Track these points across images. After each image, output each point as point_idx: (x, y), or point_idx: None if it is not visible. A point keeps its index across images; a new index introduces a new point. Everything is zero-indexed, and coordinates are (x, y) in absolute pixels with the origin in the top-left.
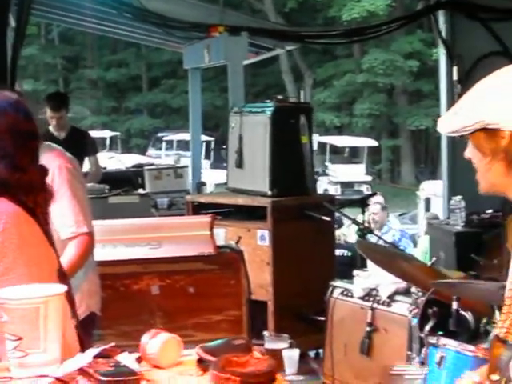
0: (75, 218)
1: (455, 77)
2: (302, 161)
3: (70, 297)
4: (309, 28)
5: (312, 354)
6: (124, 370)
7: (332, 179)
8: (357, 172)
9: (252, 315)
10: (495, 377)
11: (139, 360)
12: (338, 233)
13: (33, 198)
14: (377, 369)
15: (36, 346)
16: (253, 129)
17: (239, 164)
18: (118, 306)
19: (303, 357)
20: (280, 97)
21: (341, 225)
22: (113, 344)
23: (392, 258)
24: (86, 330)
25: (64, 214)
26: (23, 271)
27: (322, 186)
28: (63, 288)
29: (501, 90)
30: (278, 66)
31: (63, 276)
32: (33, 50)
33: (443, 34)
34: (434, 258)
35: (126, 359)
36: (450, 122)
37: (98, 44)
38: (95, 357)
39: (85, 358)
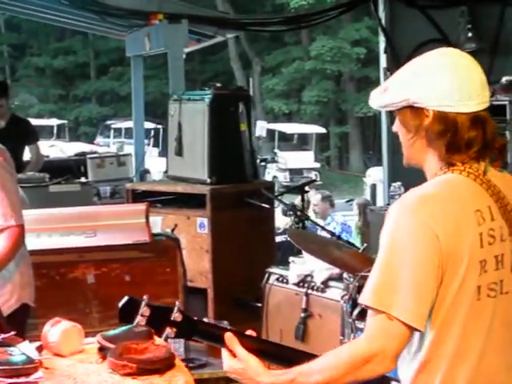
0: (3, 210)
1: (385, 64)
2: (241, 148)
3: None
4: (249, 15)
5: None
6: (22, 359)
7: (281, 166)
8: (306, 159)
9: (191, 302)
10: None
11: (40, 348)
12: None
13: None
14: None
15: None
16: (192, 116)
17: (178, 152)
18: (54, 294)
19: None
20: (219, 84)
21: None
22: (13, 333)
23: (324, 246)
24: (18, 321)
25: None
26: None
27: (271, 172)
28: None
29: (428, 70)
30: (227, 53)
31: None
32: None
33: (383, 21)
34: (365, 244)
35: (27, 348)
36: (380, 97)
37: (44, 31)
38: None
39: None
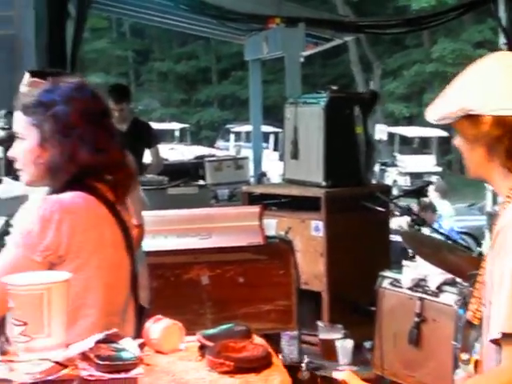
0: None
1: None
2: (356, 151)
3: (135, 290)
4: (367, 18)
5: (368, 344)
6: (123, 355)
7: (401, 170)
8: (426, 163)
9: (305, 306)
10: (465, 356)
11: (142, 345)
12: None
13: (116, 176)
14: (425, 359)
15: (40, 331)
16: (307, 120)
17: (294, 155)
18: (169, 295)
19: (358, 347)
20: (334, 87)
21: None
22: (115, 330)
23: (437, 249)
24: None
25: None
26: (93, 274)
27: (391, 176)
28: (67, 275)
29: (481, 76)
30: (348, 57)
31: (135, 280)
32: (104, 44)
33: (503, 21)
34: (479, 249)
35: (129, 344)
36: (436, 110)
37: (167, 37)
38: (98, 342)
39: (87, 343)
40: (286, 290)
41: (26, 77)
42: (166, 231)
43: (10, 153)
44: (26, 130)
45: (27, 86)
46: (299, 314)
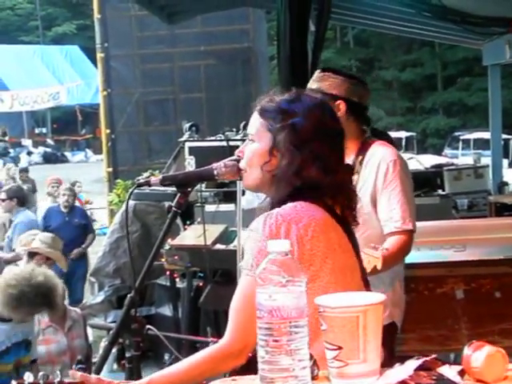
0: (403, 213)
1: None
2: None
3: None
4: None
5: None
6: None
7: None
8: None
9: None
10: None
11: (462, 373)
12: None
13: (341, 199)
14: None
15: (355, 356)
16: None
17: None
18: (422, 309)
19: None
20: None
21: None
22: (434, 356)
23: None
24: (385, 338)
25: (392, 208)
26: (329, 279)
27: None
28: (382, 297)
29: None
30: None
31: (367, 284)
32: (329, 54)
33: None
34: None
35: (448, 372)
36: None
37: (392, 45)
38: (416, 369)
39: (406, 370)
40: None
41: (316, 73)
42: (419, 243)
43: (238, 150)
44: (258, 133)
45: (316, 81)
46: None
